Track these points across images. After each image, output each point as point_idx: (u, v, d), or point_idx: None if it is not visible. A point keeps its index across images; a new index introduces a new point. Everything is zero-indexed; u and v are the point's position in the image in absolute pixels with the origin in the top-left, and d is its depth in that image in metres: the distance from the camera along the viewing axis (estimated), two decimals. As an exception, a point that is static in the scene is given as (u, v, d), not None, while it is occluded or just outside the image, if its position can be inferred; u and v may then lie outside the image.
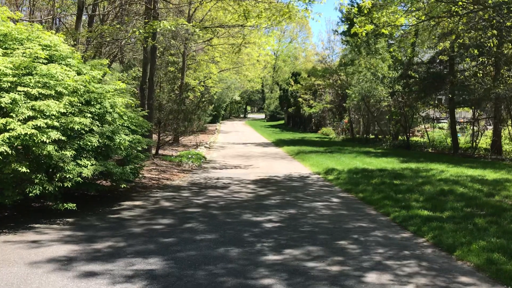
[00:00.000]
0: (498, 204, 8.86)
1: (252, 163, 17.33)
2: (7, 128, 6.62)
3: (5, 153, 6.50)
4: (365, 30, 11.48)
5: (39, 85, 7.46)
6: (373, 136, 30.45)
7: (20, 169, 6.75)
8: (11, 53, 7.88)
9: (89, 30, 14.82)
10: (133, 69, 22.61)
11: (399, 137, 26.48)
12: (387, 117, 27.49)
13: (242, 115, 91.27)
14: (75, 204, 7.62)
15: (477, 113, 21.85)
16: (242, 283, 4.90)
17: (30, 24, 9.82)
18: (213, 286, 4.83)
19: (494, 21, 14.38)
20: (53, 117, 7.20)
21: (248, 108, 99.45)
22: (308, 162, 17.36)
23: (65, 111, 7.48)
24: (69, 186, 7.46)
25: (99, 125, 8.38)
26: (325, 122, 41.58)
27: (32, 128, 6.71)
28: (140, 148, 10.00)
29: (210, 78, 30.40)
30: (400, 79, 24.19)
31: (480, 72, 19.82)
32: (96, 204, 9.05)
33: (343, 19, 32.97)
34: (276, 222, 7.81)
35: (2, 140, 6.45)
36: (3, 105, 6.82)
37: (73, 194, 9.34)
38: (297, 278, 5.08)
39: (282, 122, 60.47)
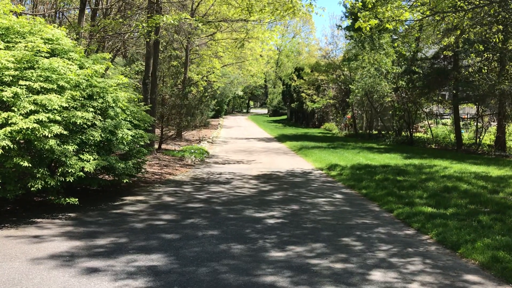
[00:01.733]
0: (502, 201, 8.79)
1: (254, 158, 17.29)
2: (9, 122, 6.58)
3: (6, 147, 6.47)
4: (369, 25, 11.37)
5: (41, 79, 7.42)
6: (376, 132, 30.37)
7: (22, 163, 6.72)
8: (13, 46, 7.83)
9: (92, 24, 14.75)
10: (136, 63, 22.54)
11: (403, 133, 26.39)
12: (390, 112, 27.38)
13: (244, 110, 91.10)
14: (77, 199, 7.60)
15: (481, 109, 21.75)
16: (245, 280, 4.86)
17: (33, 18, 9.77)
18: (216, 283, 4.79)
19: (500, 16, 14.25)
20: (55, 111, 7.15)
21: (251, 103, 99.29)
22: (311, 157, 17.31)
23: (67, 105, 7.44)
24: (71, 180, 7.43)
25: (102, 119, 8.34)
26: (328, 117, 41.45)
27: (34, 122, 6.67)
28: (142, 143, 9.96)
29: (213, 73, 30.30)
30: (403, 75, 24.07)
31: (485, 68, 19.68)
32: (99, 199, 9.03)
33: (347, 14, 32.72)
34: (279, 218, 7.77)
35: (4, 134, 6.41)
36: (4, 99, 6.77)
37: (75, 189, 9.32)
38: (301, 275, 5.04)
39: (284, 117, 60.33)
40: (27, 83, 7.11)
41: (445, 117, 30.15)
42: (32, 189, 7.01)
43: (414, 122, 25.70)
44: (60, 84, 7.57)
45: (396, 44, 19.10)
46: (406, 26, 16.85)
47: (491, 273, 5.23)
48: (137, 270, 5.09)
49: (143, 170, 10.91)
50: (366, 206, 9.05)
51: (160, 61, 19.01)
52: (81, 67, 8.67)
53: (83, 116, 7.51)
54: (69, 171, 7.33)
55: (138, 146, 10.03)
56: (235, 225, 7.21)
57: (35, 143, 6.89)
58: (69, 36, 11.23)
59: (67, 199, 7.47)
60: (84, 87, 8.09)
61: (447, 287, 4.81)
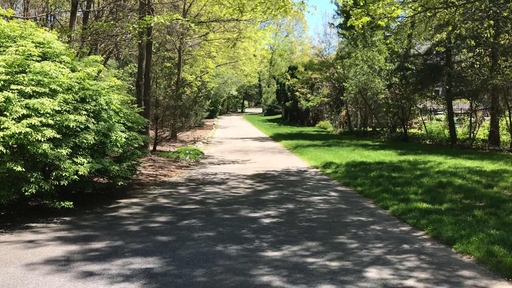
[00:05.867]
0: (496, 195, 8.83)
1: (249, 158, 17.29)
2: (1, 127, 6.54)
3: (-1, 153, 6.44)
4: (362, 22, 11.38)
5: (33, 83, 7.38)
6: (370, 129, 30.43)
7: (15, 168, 6.69)
8: (4, 51, 7.79)
9: (84, 27, 14.70)
10: (129, 65, 22.50)
11: (397, 129, 26.46)
12: (384, 109, 27.43)
13: (239, 110, 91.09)
14: (72, 202, 7.57)
15: (475, 104, 21.83)
16: (241, 281, 4.86)
17: (24, 22, 9.72)
18: (212, 283, 4.78)
19: (491, 11, 14.32)
20: (47, 115, 7.12)
21: (246, 102, 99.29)
22: (306, 156, 17.33)
23: (59, 109, 7.41)
24: (65, 184, 7.40)
25: (95, 122, 8.31)
26: (322, 115, 41.51)
27: (26, 127, 6.64)
28: (136, 145, 9.94)
29: (207, 73, 30.29)
30: (397, 71, 24.13)
31: (477, 63, 19.77)
32: (93, 202, 9.00)
33: (339, 12, 32.83)
34: (274, 217, 7.77)
35: (-4, 140, 6.38)
36: (-4, 104, 6.74)
37: (70, 192, 9.28)
38: (297, 274, 5.04)
39: (279, 116, 60.36)
40: (19, 87, 7.07)
41: (439, 112, 30.27)
42: (26, 193, 6.98)
43: (408, 118, 25.77)
44: (52, 88, 7.53)
45: (388, 41, 19.14)
46: (398, 23, 16.89)
47: (486, 268, 5.25)
48: (133, 273, 5.08)
49: (137, 172, 10.89)
50: (362, 203, 9.06)
51: (153, 63, 18.96)
52: (73, 70, 8.65)
53: (76, 119, 7.48)
54: (63, 174, 7.31)
55: (132, 148, 10.00)
56: (231, 225, 7.21)
57: (28, 147, 6.86)
58: (60, 39, 11.19)
59: (61, 203, 7.44)
60: (76, 90, 8.07)
61: (442, 283, 4.82)
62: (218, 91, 44.79)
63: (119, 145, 8.70)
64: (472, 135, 20.98)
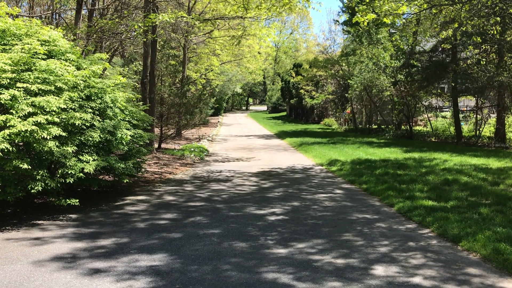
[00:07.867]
0: (503, 193, 8.79)
1: (254, 156, 17.29)
2: (7, 125, 6.57)
3: (5, 150, 6.46)
4: (367, 19, 11.34)
5: (39, 81, 7.40)
6: (375, 126, 30.34)
7: (21, 165, 6.72)
8: (9, 49, 7.81)
9: (89, 25, 14.72)
10: (134, 63, 22.56)
11: (402, 126, 26.38)
12: (389, 106, 27.35)
13: (244, 107, 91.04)
14: (78, 200, 7.60)
15: (480, 101, 21.73)
16: (247, 278, 4.86)
17: (29, 20, 9.74)
18: (218, 281, 4.79)
19: (497, 8, 14.21)
20: (53, 113, 7.14)
21: (250, 100, 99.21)
22: (311, 153, 17.31)
23: (65, 107, 7.42)
24: (71, 182, 7.43)
25: (100, 120, 8.32)
26: (327, 113, 41.43)
27: (32, 125, 6.66)
28: (142, 143, 9.96)
29: (212, 70, 30.31)
30: (402, 69, 24.04)
31: (483, 59, 19.66)
32: (99, 199, 9.03)
33: (344, 8, 32.65)
34: (280, 215, 7.77)
35: (2, 137, 6.40)
36: (2, 102, 6.75)
37: (75, 190, 9.33)
38: (303, 271, 5.04)
39: (284, 113, 60.26)
40: (25, 85, 7.09)
41: (445, 110, 30.12)
42: (33, 191, 7.01)
43: (413, 115, 25.69)
44: (58, 86, 7.55)
45: (393, 38, 19.07)
46: (404, 20, 16.82)
47: (492, 265, 5.23)
48: (139, 270, 5.09)
49: (143, 170, 10.91)
50: (367, 201, 9.05)
51: (158, 60, 18.98)
52: (78, 68, 8.66)
53: (81, 117, 7.49)
54: (69, 172, 7.33)
55: (138, 145, 10.03)
56: (237, 222, 7.21)
57: (34, 145, 6.88)
58: (66, 37, 11.21)
59: (67, 200, 7.47)
60: (82, 88, 8.08)
61: (449, 280, 4.81)
62: (222, 88, 44.83)
63: (124, 142, 8.72)
64: (478, 132, 20.89)
